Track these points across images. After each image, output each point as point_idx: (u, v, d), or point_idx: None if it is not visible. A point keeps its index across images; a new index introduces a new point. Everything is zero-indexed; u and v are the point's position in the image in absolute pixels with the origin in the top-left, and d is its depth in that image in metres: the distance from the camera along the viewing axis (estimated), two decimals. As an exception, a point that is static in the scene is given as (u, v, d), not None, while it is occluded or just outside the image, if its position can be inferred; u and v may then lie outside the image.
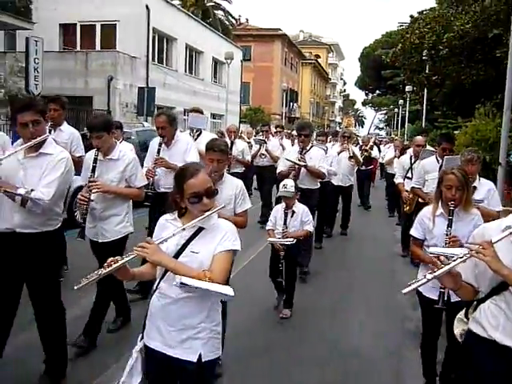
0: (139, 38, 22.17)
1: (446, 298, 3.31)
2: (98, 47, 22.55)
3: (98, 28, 22.56)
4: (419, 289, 3.32)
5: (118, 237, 4.54)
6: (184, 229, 2.59)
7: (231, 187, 4.06)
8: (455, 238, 3.47)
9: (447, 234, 3.50)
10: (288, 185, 5.41)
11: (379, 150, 15.18)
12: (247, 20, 55.23)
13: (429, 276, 2.39)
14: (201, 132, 7.36)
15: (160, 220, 2.85)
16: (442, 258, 2.44)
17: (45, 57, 16.19)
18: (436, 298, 3.39)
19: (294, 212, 5.47)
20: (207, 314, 2.63)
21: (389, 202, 12.87)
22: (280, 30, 49.49)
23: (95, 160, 4.39)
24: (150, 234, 5.26)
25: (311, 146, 6.89)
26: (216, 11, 39.60)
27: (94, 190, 4.29)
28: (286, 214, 5.44)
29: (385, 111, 72.61)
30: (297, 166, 6.61)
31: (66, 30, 22.96)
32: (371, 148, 13.36)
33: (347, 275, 7.18)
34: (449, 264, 2.38)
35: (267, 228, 5.58)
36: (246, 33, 46.86)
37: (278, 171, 6.96)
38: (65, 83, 19.93)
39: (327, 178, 7.52)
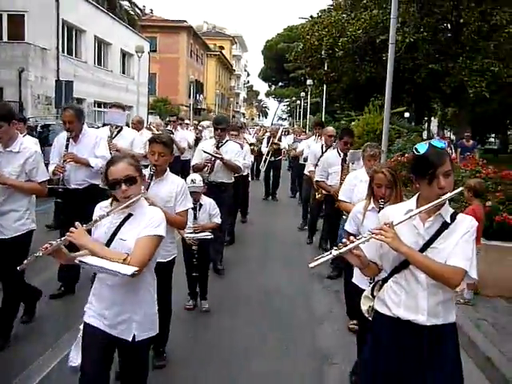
0: (48, 30, 22.19)
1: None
2: (5, 38, 22.27)
3: (4, 18, 22.26)
4: (355, 281, 3.89)
5: (16, 234, 4.37)
6: (108, 214, 2.79)
7: (173, 185, 3.96)
8: None
9: None
10: (196, 180, 5.44)
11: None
12: (152, 11, 55.17)
13: (334, 252, 2.53)
14: (121, 128, 7.07)
15: (96, 208, 3.02)
16: (351, 238, 2.61)
17: None
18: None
19: (201, 205, 5.50)
20: (140, 300, 2.85)
21: (292, 186, 13.72)
22: (185, 21, 50.05)
23: None
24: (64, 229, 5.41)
25: (227, 140, 6.84)
26: (121, 1, 39.58)
27: None
28: (194, 209, 5.34)
29: (287, 102, 75.44)
30: (213, 159, 6.57)
31: (-30, 19, 22.45)
32: (279, 139, 13.45)
33: (260, 259, 7.80)
34: (353, 242, 2.55)
35: None
36: (152, 24, 46.89)
37: (192, 163, 6.93)
38: (-29, 74, 19.68)
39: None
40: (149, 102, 37.42)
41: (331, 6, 21.66)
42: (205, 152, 6.62)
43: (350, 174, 5.73)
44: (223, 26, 79.60)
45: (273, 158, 12.97)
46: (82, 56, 26.21)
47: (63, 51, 23.77)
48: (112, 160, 2.91)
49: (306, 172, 9.48)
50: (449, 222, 2.55)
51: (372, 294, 2.82)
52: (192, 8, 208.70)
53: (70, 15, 23.44)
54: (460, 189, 2.57)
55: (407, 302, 2.58)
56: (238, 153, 6.88)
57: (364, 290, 3.58)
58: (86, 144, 5.54)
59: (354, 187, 5.16)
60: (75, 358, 2.90)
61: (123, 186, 2.77)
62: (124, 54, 32.38)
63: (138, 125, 9.51)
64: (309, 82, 34.87)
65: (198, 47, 55.51)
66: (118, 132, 6.96)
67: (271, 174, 13.42)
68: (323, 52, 19.55)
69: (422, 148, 2.48)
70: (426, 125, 40.79)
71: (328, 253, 2.56)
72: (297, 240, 9.10)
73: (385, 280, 2.72)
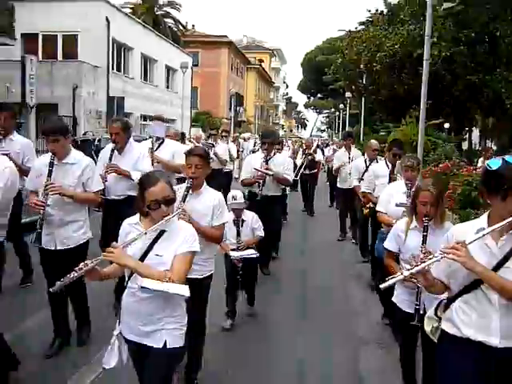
0: (100, 48, 23.62)
1: (421, 313, 3.40)
2: (59, 57, 23.83)
3: (59, 38, 23.85)
4: (397, 303, 3.79)
5: (79, 243, 4.53)
6: (146, 233, 2.82)
7: (210, 199, 3.91)
8: (429, 254, 3.33)
9: (422, 250, 3.26)
10: (237, 196, 5.41)
11: (323, 154, 14.97)
12: (193, 26, 56.74)
13: (405, 272, 2.53)
14: (163, 141, 6.81)
15: (123, 224, 3.06)
16: (420, 256, 2.59)
17: (7, 65, 18.08)
18: (412, 312, 3.52)
19: (243, 221, 5.48)
20: (171, 310, 2.89)
21: (331, 196, 13.84)
22: (226, 36, 51.42)
23: (51, 164, 4.31)
24: (105, 240, 4.96)
25: (274, 153, 6.91)
26: (166, 19, 41.14)
27: (51, 192, 4.23)
28: (237, 225, 5.41)
29: (326, 114, 75.73)
30: (263, 175, 6.59)
31: (28, 39, 23.94)
32: (315, 151, 13.11)
33: (301, 262, 8.44)
34: (424, 262, 2.53)
35: None
36: (194, 39, 48.29)
37: (241, 179, 7.00)
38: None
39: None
40: (191, 115, 38.68)
41: (369, 17, 22.17)
42: (255, 169, 6.67)
43: (390, 184, 5.73)
44: (262, 40, 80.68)
45: (307, 171, 12.41)
46: (129, 72, 27.63)
47: (113, 68, 25.17)
48: (149, 180, 2.89)
49: (338, 185, 9.94)
50: None
51: (436, 315, 2.76)
52: (232, 22, 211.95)
53: (119, 34, 24.85)
54: None
55: (478, 322, 2.51)
56: (286, 166, 6.96)
57: (402, 311, 3.71)
58: (129, 157, 5.56)
59: (391, 198, 5.09)
60: (108, 361, 2.96)
61: (163, 207, 2.83)
62: (168, 70, 33.72)
63: (174, 137, 9.12)
64: (348, 94, 35.30)
65: (239, 61, 56.68)
66: (160, 144, 6.75)
67: (308, 187, 12.94)
68: (361, 66, 20.15)
69: (494, 164, 2.41)
70: (467, 135, 40.61)
71: (399, 273, 2.60)
72: (336, 245, 9.68)
73: (451, 300, 2.65)
